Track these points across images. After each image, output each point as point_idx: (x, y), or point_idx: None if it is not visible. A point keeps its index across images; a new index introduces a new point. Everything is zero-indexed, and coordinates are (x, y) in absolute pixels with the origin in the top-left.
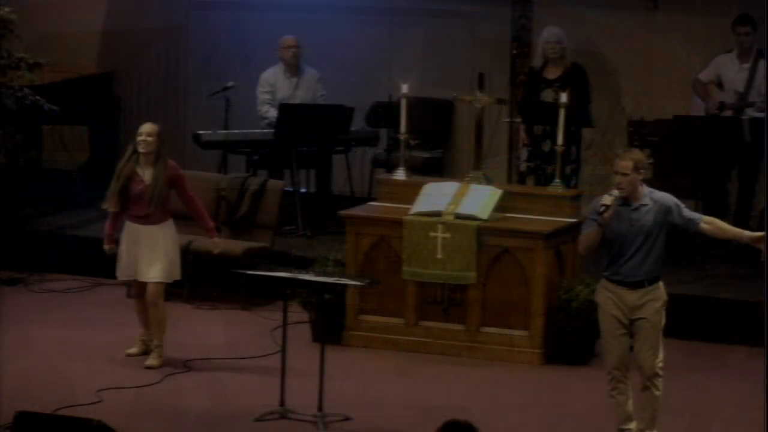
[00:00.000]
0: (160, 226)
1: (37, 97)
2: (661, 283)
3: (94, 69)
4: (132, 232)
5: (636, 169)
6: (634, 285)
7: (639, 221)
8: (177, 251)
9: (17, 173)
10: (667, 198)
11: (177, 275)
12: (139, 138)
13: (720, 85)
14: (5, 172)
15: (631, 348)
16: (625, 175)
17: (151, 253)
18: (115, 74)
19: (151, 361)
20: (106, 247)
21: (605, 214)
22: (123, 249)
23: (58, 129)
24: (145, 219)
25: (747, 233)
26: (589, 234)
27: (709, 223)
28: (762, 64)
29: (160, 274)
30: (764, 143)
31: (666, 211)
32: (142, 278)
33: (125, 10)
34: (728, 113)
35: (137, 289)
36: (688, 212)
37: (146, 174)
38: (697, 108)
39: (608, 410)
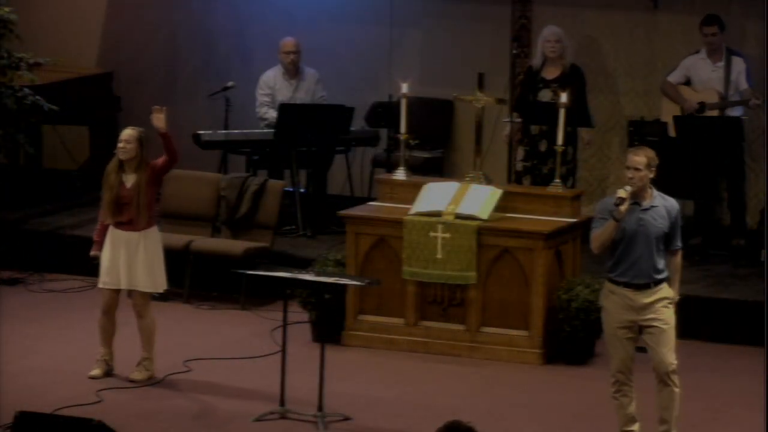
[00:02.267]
0: (142, 233)
1: (37, 97)
2: (666, 283)
3: (94, 69)
4: (114, 238)
5: (648, 165)
6: (641, 286)
7: (648, 222)
8: (161, 261)
9: (17, 173)
10: (676, 204)
11: (160, 286)
12: (119, 144)
13: (688, 85)
14: (5, 172)
15: (639, 349)
16: (637, 170)
17: (131, 260)
18: (115, 74)
19: (136, 374)
20: (91, 253)
21: (621, 207)
22: (105, 256)
23: (58, 129)
24: (128, 225)
25: (674, 298)
26: (603, 231)
27: (677, 259)
28: (735, 62)
29: (142, 283)
30: (743, 141)
31: (675, 216)
32: (122, 286)
33: (125, 10)
34: (714, 113)
35: (108, 300)
36: (679, 231)
37: (128, 180)
38: (669, 110)
39: (608, 410)
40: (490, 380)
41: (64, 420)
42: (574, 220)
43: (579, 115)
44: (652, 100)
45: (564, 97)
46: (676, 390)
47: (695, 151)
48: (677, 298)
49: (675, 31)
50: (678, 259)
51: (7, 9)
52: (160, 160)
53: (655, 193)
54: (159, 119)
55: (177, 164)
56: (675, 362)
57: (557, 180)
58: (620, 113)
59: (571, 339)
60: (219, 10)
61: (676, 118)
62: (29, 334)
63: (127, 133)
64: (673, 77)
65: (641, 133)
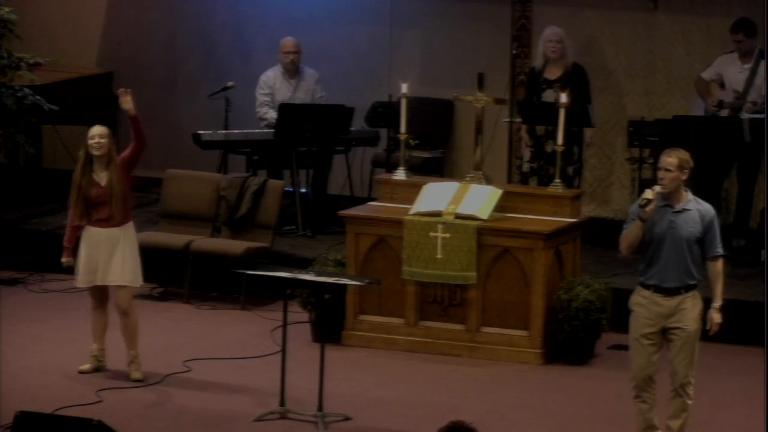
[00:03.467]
0: (121, 229)
1: (37, 97)
2: (697, 291)
3: (94, 69)
4: (92, 236)
5: (680, 167)
6: (671, 292)
7: (678, 225)
8: (137, 256)
9: (17, 173)
10: (711, 209)
11: (136, 281)
12: (92, 141)
13: (722, 84)
14: (5, 172)
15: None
16: (668, 171)
17: (112, 256)
18: (115, 74)
19: (135, 374)
20: (64, 260)
21: (647, 208)
22: (82, 255)
23: (58, 129)
24: (107, 222)
25: (715, 304)
26: (630, 231)
27: (718, 265)
28: (763, 65)
29: (125, 278)
30: (763, 143)
31: (709, 221)
32: (104, 282)
33: (125, 11)
34: (725, 113)
35: (96, 296)
36: (718, 237)
37: (102, 178)
38: (700, 107)
39: (608, 410)
40: (490, 380)
41: (64, 420)
42: (574, 220)
43: (580, 115)
44: (653, 100)
45: (564, 97)
46: (689, 402)
47: (695, 151)
48: (718, 304)
49: (675, 31)
50: (718, 265)
51: (7, 9)
52: (128, 150)
53: (690, 196)
54: (127, 101)
55: (146, 148)
56: (692, 374)
57: (557, 180)
58: (621, 113)
59: (571, 339)
60: (219, 10)
61: (676, 117)
62: (29, 334)
63: (99, 129)
64: (706, 74)
65: (641, 133)
